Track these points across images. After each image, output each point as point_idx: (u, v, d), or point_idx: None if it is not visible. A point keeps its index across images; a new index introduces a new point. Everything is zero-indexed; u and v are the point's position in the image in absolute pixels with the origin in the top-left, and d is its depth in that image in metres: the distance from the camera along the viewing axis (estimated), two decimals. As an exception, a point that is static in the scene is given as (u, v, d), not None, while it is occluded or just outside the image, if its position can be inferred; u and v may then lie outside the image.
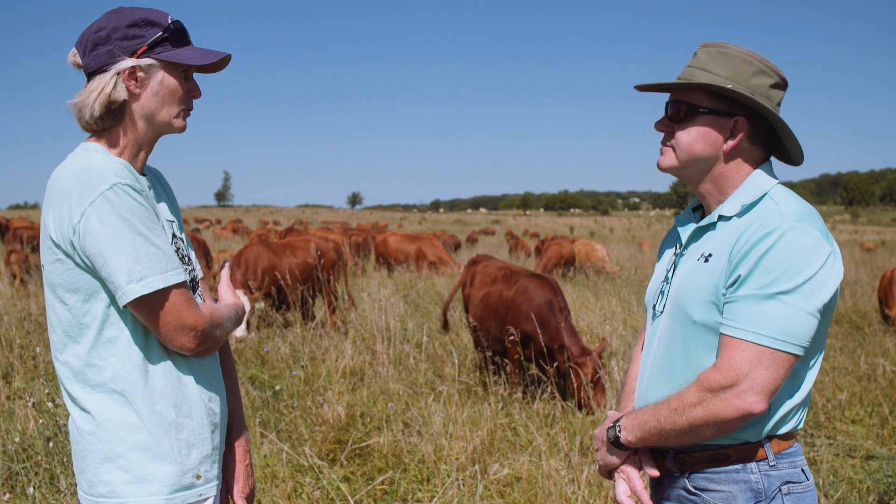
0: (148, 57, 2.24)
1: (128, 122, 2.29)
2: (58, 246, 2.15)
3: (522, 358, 7.85)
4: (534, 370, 8.59)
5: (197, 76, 2.39)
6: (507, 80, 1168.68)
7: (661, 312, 2.39)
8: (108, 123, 2.29)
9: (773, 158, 2.41)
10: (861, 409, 7.36)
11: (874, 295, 14.54)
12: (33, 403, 5.99)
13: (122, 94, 2.24)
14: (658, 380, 2.35)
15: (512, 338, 7.58)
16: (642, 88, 2.39)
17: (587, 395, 7.06)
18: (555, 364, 7.46)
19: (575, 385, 7.21)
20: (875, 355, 9.16)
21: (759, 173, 2.30)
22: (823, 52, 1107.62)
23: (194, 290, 2.44)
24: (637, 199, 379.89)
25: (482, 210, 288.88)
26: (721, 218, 2.29)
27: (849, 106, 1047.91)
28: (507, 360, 8.00)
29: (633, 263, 23.41)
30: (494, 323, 7.96)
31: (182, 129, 2.37)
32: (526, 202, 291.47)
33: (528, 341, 7.64)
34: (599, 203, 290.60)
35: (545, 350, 7.46)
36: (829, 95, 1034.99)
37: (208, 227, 56.45)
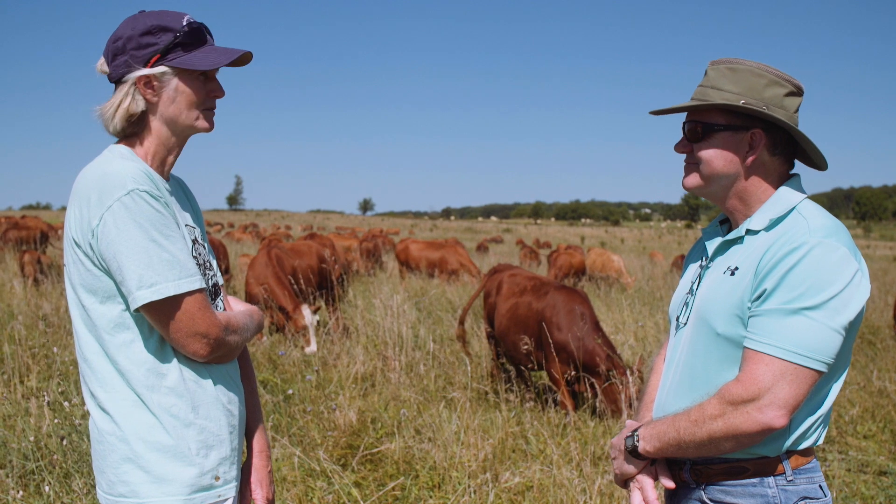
0: (161, 65, 2.25)
1: (151, 128, 2.32)
2: (78, 246, 2.18)
3: (547, 367, 7.72)
4: (545, 379, 8.58)
5: (224, 70, 2.39)
6: (520, 89, 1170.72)
7: (685, 324, 2.40)
8: (131, 131, 2.32)
9: (800, 168, 2.42)
10: (873, 424, 7.34)
11: (886, 310, 14.49)
12: (48, 402, 6.01)
13: (139, 105, 2.27)
14: (679, 391, 2.36)
15: (521, 350, 7.52)
16: (657, 113, 2.42)
17: (617, 407, 6.98)
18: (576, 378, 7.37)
19: (615, 398, 7.03)
20: (887, 371, 9.14)
21: (786, 188, 2.30)
22: (836, 67, 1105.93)
23: (216, 295, 2.46)
24: (648, 210, 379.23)
25: (493, 218, 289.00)
26: (749, 232, 2.29)
27: (862, 120, 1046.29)
28: (517, 370, 7.95)
29: (645, 275, 23.33)
30: (522, 334, 7.75)
31: (208, 129, 2.38)
32: (537, 211, 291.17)
33: (560, 354, 7.54)
34: (611, 213, 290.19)
35: (578, 363, 7.35)
36: (841, 109, 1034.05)
37: (220, 231, 56.59)
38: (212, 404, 2.30)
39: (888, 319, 13.41)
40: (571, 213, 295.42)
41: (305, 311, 9.82)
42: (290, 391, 7.31)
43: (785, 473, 2.20)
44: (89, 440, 5.30)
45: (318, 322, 10.15)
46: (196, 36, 2.31)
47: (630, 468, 2.38)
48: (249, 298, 10.49)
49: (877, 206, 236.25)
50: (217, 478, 2.30)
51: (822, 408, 2.22)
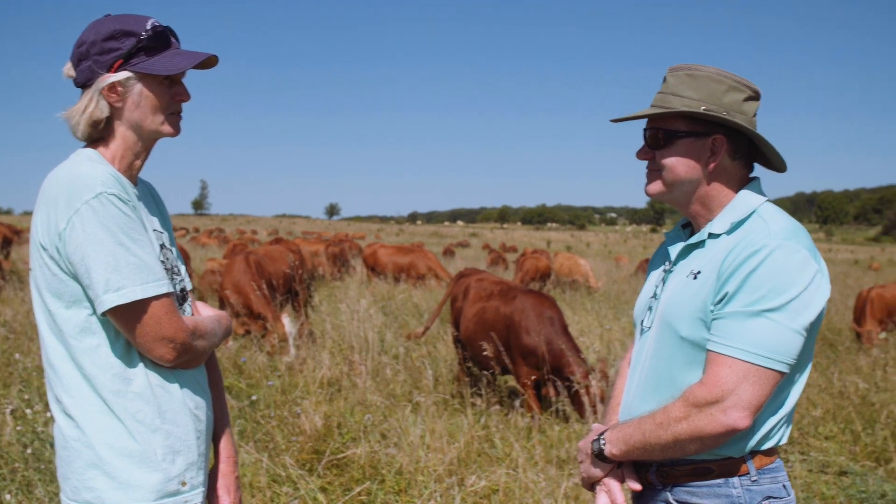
0: (124, 69, 2.25)
1: (117, 133, 2.31)
2: (45, 249, 2.17)
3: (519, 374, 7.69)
4: (512, 383, 8.60)
5: (190, 73, 2.37)
6: (486, 94, 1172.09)
7: (649, 328, 2.42)
8: (98, 135, 2.31)
9: (760, 172, 2.46)
10: (834, 425, 7.42)
11: (847, 313, 14.68)
12: (11, 410, 5.94)
13: (104, 110, 2.26)
14: (644, 394, 2.38)
15: (493, 352, 7.51)
16: (618, 121, 2.44)
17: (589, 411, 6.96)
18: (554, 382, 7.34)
19: (583, 402, 6.94)
20: (848, 372, 9.25)
21: (747, 192, 2.34)
22: (798, 72, 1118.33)
23: (183, 300, 2.45)
24: (614, 215, 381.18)
25: (459, 223, 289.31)
26: (710, 235, 2.32)
27: (824, 126, 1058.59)
28: (485, 374, 7.94)
29: (610, 278, 23.49)
30: (488, 339, 7.69)
31: (173, 134, 2.37)
32: (503, 215, 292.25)
33: (528, 358, 7.53)
34: (577, 218, 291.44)
35: (548, 367, 7.33)
36: (804, 115, 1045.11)
37: (185, 236, 56.07)
38: (179, 409, 2.29)
39: (849, 322, 13.58)
40: (538, 217, 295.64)
41: (286, 320, 9.79)
42: (255, 396, 7.28)
43: (749, 473, 2.23)
44: (53, 447, 5.25)
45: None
46: (160, 40, 2.30)
47: (597, 471, 2.39)
48: (224, 304, 10.43)
49: (838, 210, 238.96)
50: (184, 483, 2.29)
51: (785, 408, 2.25)
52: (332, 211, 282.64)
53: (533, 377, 7.47)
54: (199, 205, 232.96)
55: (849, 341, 12.28)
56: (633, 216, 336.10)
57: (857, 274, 36.64)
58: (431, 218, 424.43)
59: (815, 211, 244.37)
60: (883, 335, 12.04)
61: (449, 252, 38.35)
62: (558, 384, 7.21)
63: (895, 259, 72.88)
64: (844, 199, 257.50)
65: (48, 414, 6.00)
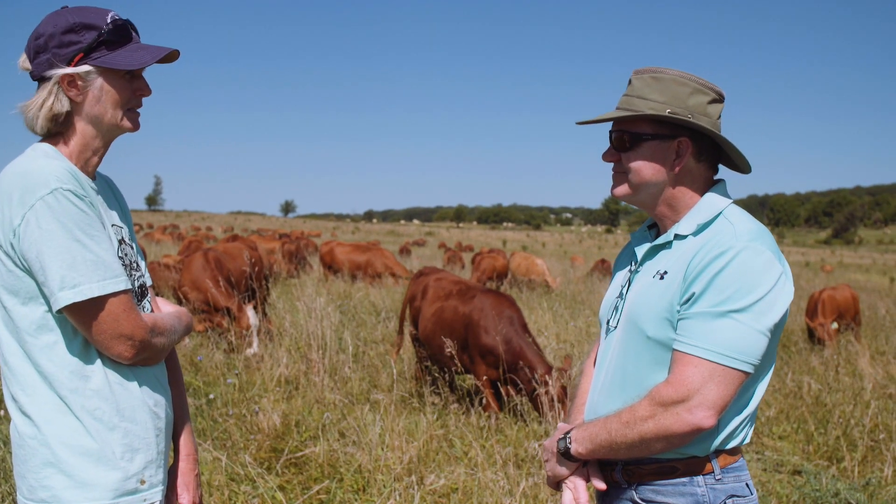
0: (85, 63, 2.21)
1: (76, 127, 2.27)
2: None
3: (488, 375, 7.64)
4: (469, 382, 8.60)
5: (149, 67, 2.33)
6: (442, 93, 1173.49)
7: (615, 328, 2.43)
8: (56, 130, 2.27)
9: (726, 174, 2.48)
10: (788, 425, 7.54)
11: (799, 314, 14.89)
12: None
13: (64, 105, 2.22)
14: (610, 393, 2.38)
15: (446, 353, 7.49)
16: (584, 123, 2.44)
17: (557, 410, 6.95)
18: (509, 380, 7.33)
19: (543, 400, 6.95)
20: (801, 373, 9.39)
21: (712, 194, 2.36)
22: (754, 77, 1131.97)
23: (143, 296, 2.42)
24: (569, 215, 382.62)
25: (415, 221, 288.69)
26: (677, 237, 2.34)
27: (777, 129, 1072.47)
28: (445, 373, 7.93)
29: (566, 278, 23.60)
30: (447, 339, 7.63)
31: (133, 129, 2.34)
32: (459, 214, 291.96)
33: (486, 357, 7.51)
34: (532, 217, 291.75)
35: (505, 366, 7.31)
36: (757, 118, 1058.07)
37: (139, 232, 55.48)
38: (137, 407, 2.26)
39: (801, 323, 13.78)
40: (493, 216, 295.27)
41: (249, 311, 9.71)
42: (212, 395, 7.21)
43: (713, 472, 2.25)
44: (8, 446, 5.16)
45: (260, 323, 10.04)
46: (121, 34, 2.26)
47: (562, 470, 2.40)
48: (181, 301, 10.32)
49: (790, 213, 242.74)
50: (143, 481, 2.26)
51: (749, 407, 2.27)
52: (287, 208, 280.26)
53: (490, 377, 7.47)
54: (152, 200, 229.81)
55: (801, 342, 12.47)
56: (589, 217, 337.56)
57: (809, 276, 37.27)
58: (387, 216, 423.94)
59: (767, 213, 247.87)
60: (835, 325, 12.26)
61: (405, 251, 38.40)
62: (518, 383, 7.21)
63: (845, 261, 74.74)
64: (796, 202, 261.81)
65: (1, 412, 5.90)
